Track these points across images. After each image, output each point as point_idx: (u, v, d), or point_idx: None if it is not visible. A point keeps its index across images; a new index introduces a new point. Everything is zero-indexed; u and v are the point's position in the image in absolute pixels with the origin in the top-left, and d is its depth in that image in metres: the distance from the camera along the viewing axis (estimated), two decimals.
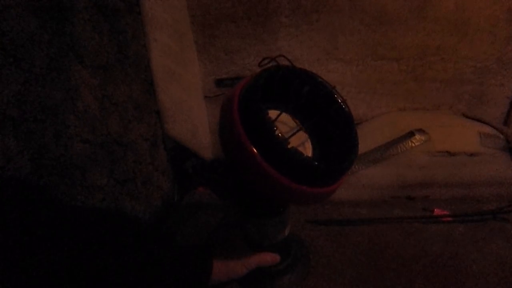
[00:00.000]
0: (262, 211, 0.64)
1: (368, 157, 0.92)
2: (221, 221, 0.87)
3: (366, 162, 0.91)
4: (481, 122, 0.96)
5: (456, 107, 1.03)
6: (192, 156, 1.03)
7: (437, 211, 0.83)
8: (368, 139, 0.96)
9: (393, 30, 0.96)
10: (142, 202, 0.82)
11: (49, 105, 0.60)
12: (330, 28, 0.98)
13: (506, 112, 1.01)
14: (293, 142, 0.60)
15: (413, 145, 0.87)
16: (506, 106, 1.01)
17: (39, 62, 0.58)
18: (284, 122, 0.62)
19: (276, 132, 0.48)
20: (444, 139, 0.86)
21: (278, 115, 0.55)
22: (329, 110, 0.63)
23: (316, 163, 0.50)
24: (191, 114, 1.02)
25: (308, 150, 0.61)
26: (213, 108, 1.11)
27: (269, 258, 0.66)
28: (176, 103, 0.97)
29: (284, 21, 0.98)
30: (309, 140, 0.64)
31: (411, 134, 0.88)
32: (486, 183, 0.84)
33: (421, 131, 0.88)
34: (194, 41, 1.02)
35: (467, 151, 0.84)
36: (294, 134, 0.54)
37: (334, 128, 0.62)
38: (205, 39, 1.02)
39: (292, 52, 1.01)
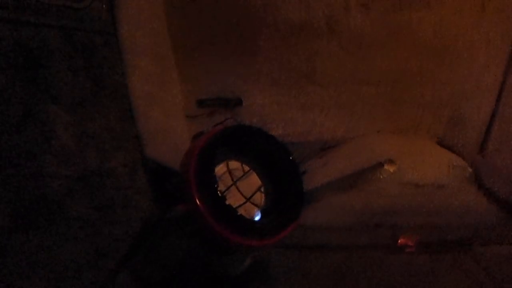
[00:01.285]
0: (221, 249, 0.70)
1: (341, 183, 0.94)
2: None
3: (338, 188, 0.94)
4: (453, 151, 0.97)
5: (434, 130, 1.04)
6: (173, 174, 1.07)
7: (401, 241, 0.86)
8: (342, 163, 0.98)
9: (371, 55, 0.96)
10: (122, 226, 0.88)
11: (25, 149, 0.64)
12: (308, 52, 0.98)
13: (483, 136, 1.02)
14: (246, 189, 0.67)
15: (381, 176, 0.89)
16: (482, 130, 1.02)
17: (13, 112, 0.62)
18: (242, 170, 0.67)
19: (219, 190, 0.56)
20: (414, 169, 0.88)
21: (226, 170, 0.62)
22: (280, 161, 0.70)
23: (254, 220, 0.57)
24: (171, 134, 1.05)
25: (259, 200, 0.66)
26: (195, 126, 1.14)
27: None
28: (156, 125, 1.00)
29: (262, 44, 0.98)
30: (262, 188, 0.70)
31: (380, 165, 0.91)
32: (452, 213, 0.87)
33: (390, 162, 0.90)
34: (175, 63, 1.03)
35: (436, 183, 0.87)
36: (233, 184, 0.61)
37: (286, 179, 0.68)
38: (186, 61, 1.03)
39: (272, 74, 1.02)
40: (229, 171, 0.62)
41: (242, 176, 0.63)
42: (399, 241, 0.87)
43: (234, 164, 0.68)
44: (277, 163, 0.73)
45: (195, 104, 1.10)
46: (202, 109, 1.11)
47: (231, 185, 0.59)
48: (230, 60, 1.02)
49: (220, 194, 0.54)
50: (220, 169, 0.67)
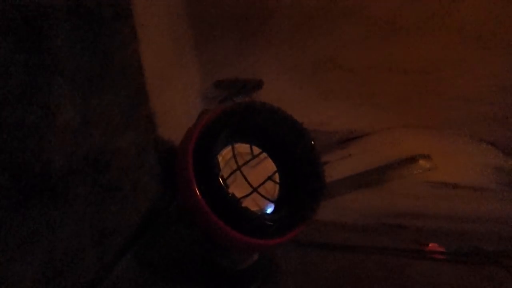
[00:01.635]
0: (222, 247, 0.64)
1: (362, 179, 0.86)
2: None
3: (358, 184, 0.86)
4: (496, 151, 0.85)
5: (473, 127, 0.92)
6: None
7: (432, 246, 0.77)
8: (364, 157, 0.90)
9: (405, 40, 0.86)
10: (128, 207, 0.85)
11: (28, 123, 0.62)
12: (335, 33, 0.89)
13: None
14: (258, 177, 0.59)
15: (414, 172, 0.80)
16: None
17: (16, 84, 0.59)
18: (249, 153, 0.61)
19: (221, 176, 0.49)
20: (448, 168, 0.78)
21: (233, 156, 0.55)
22: (297, 146, 0.61)
23: (257, 216, 0.50)
24: (186, 115, 1.01)
25: (272, 190, 0.59)
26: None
27: None
28: (170, 105, 0.96)
29: (284, 23, 0.91)
30: (277, 175, 0.62)
31: (414, 159, 0.81)
32: (490, 221, 0.77)
33: (426, 157, 0.81)
34: (192, 42, 0.98)
35: (474, 186, 0.76)
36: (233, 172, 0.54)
37: (304, 168, 0.60)
38: (204, 39, 0.98)
39: (293, 57, 0.95)
40: (234, 155, 0.55)
41: (249, 161, 0.55)
42: (426, 246, 0.78)
43: (243, 148, 0.61)
44: (295, 149, 0.64)
45: (213, 85, 1.05)
46: (220, 90, 1.05)
47: (235, 170, 0.52)
48: (250, 40, 0.95)
49: (222, 182, 0.48)
50: (227, 152, 0.60)
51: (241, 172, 0.52)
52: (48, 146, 0.66)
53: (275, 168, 0.63)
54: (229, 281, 0.70)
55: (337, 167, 0.92)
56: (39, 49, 0.62)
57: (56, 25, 0.66)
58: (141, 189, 0.90)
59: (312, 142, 0.63)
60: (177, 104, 0.97)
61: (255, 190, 0.54)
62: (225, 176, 0.54)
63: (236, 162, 0.53)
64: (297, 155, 0.62)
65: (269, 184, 0.63)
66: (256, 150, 0.63)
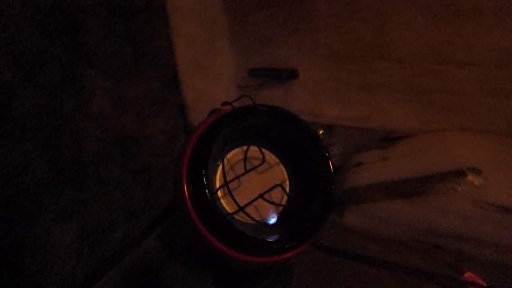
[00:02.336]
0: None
1: (397, 187, 0.76)
2: None
3: (392, 192, 0.76)
4: None
5: None
6: None
7: (469, 275, 0.66)
8: (404, 162, 0.79)
9: (471, 26, 0.69)
10: (156, 191, 0.91)
11: (63, 112, 0.69)
12: (381, 18, 0.77)
13: None
14: (267, 181, 0.55)
15: (460, 188, 0.67)
16: None
17: (52, 76, 0.65)
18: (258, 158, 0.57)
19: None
20: (502, 188, 0.63)
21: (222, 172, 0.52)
22: (308, 152, 0.55)
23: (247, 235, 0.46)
24: (218, 104, 1.01)
25: (279, 199, 0.55)
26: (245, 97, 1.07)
27: None
28: (202, 93, 0.97)
29: (322, 8, 0.81)
30: (287, 181, 0.58)
31: (461, 173, 0.68)
32: None
33: (476, 171, 0.67)
34: (226, 28, 0.95)
35: None
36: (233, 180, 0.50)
37: (315, 175, 0.54)
38: (238, 26, 0.94)
39: (332, 45, 0.85)
40: (222, 168, 0.53)
41: (254, 168, 0.52)
42: (463, 274, 0.67)
43: (251, 151, 0.58)
44: (304, 154, 0.58)
45: (247, 73, 1.02)
46: (254, 79, 1.02)
47: (230, 181, 0.50)
48: (286, 26, 0.88)
49: (208, 194, 0.46)
50: (234, 155, 0.58)
51: (228, 189, 0.50)
52: (82, 132, 0.73)
53: (285, 176, 0.59)
54: (239, 277, 0.70)
55: (371, 170, 0.83)
56: (73, 42, 0.68)
57: (89, 19, 0.70)
58: (169, 175, 0.95)
59: (326, 153, 0.56)
60: (209, 92, 0.98)
61: (255, 199, 0.50)
62: (220, 184, 0.51)
63: (224, 176, 0.50)
64: (308, 164, 0.57)
65: (276, 193, 0.59)
66: (265, 155, 0.58)
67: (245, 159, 0.54)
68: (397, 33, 0.77)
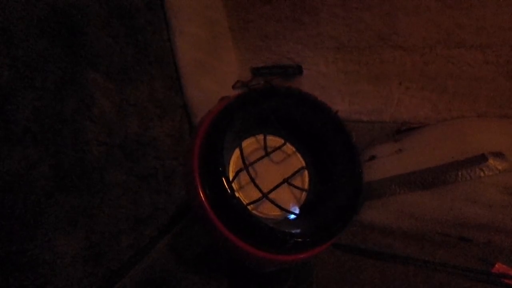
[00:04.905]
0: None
1: (417, 178, 0.73)
2: None
3: (412, 184, 0.73)
4: None
5: None
6: None
7: (499, 267, 0.62)
8: (422, 152, 0.75)
9: (482, 5, 0.67)
10: (163, 196, 0.87)
11: (65, 115, 0.66)
12: (388, 5, 0.75)
13: None
14: (285, 171, 0.52)
15: (483, 174, 0.63)
16: None
17: (51, 77, 0.63)
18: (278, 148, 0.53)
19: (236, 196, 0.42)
20: None
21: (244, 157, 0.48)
22: (334, 141, 0.52)
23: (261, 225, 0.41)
24: None
25: (298, 192, 0.52)
26: None
27: None
28: (206, 94, 0.94)
29: None
30: (306, 171, 0.54)
31: (483, 158, 0.64)
32: None
33: (499, 155, 0.63)
34: (228, 27, 0.94)
35: None
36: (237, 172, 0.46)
37: (339, 166, 0.51)
38: (240, 24, 0.92)
39: (338, 36, 0.83)
40: (241, 153, 0.49)
41: (276, 149, 0.48)
42: (494, 266, 0.63)
43: (267, 140, 0.54)
44: (329, 143, 0.54)
45: (251, 72, 1.00)
46: (258, 77, 1.00)
47: (242, 169, 0.46)
48: (289, 21, 0.86)
49: (226, 182, 0.42)
50: (250, 144, 0.54)
51: (248, 173, 0.45)
52: (84, 136, 0.69)
53: (303, 166, 0.55)
54: (255, 283, 0.66)
55: (386, 163, 0.80)
56: (73, 43, 0.65)
57: (88, 20, 0.68)
58: (176, 179, 0.92)
59: (352, 138, 0.52)
60: (214, 92, 0.95)
61: (265, 195, 0.46)
62: (234, 173, 0.47)
63: (243, 160, 0.46)
64: (331, 152, 0.53)
65: (296, 181, 0.54)
66: (279, 142, 0.54)
67: (265, 139, 0.51)
68: (405, 20, 0.75)
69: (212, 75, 0.94)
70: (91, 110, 0.71)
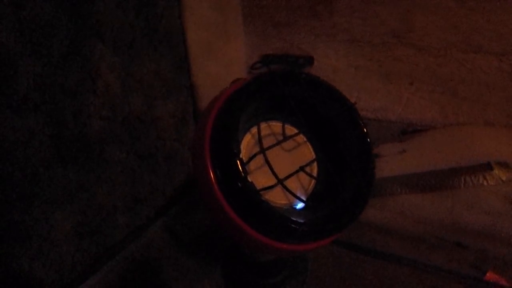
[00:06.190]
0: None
1: (419, 180, 0.73)
2: None
3: (414, 185, 0.73)
4: None
5: None
6: None
7: (489, 275, 0.63)
8: (426, 154, 0.75)
9: (504, 11, 0.66)
10: (163, 177, 0.86)
11: (68, 86, 0.64)
12: (406, 2, 0.73)
13: None
14: (295, 161, 0.50)
15: (486, 183, 0.64)
16: None
17: (57, 46, 0.60)
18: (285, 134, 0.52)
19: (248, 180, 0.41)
20: None
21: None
22: (347, 132, 0.51)
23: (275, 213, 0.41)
24: None
25: (307, 181, 0.51)
26: None
27: None
28: (213, 78, 0.92)
29: None
30: (315, 162, 0.53)
31: (487, 166, 0.64)
32: None
33: (504, 165, 0.63)
34: (239, 12, 0.91)
35: None
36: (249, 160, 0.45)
37: (351, 159, 0.50)
38: (252, 9, 0.90)
39: (351, 30, 0.81)
40: (259, 135, 0.47)
41: (276, 144, 0.47)
42: (486, 274, 0.64)
43: (275, 127, 0.53)
44: (343, 134, 0.53)
45: (260, 59, 0.98)
46: (267, 65, 0.98)
47: (258, 152, 0.45)
48: (303, 10, 0.84)
49: (241, 166, 0.41)
50: (262, 129, 0.52)
51: (265, 156, 0.44)
52: (86, 109, 0.68)
53: (313, 156, 0.54)
54: (251, 270, 0.66)
55: (390, 163, 0.79)
56: (81, 11, 0.63)
57: None
58: (177, 161, 0.91)
59: (365, 130, 0.51)
60: (221, 77, 0.93)
61: (280, 182, 0.45)
62: (246, 159, 0.46)
63: (260, 143, 0.45)
64: (344, 143, 0.52)
65: (303, 176, 0.53)
66: (292, 130, 0.53)
67: (283, 126, 0.49)
68: (422, 18, 0.74)
69: (219, 59, 0.92)
70: (96, 82, 0.69)
